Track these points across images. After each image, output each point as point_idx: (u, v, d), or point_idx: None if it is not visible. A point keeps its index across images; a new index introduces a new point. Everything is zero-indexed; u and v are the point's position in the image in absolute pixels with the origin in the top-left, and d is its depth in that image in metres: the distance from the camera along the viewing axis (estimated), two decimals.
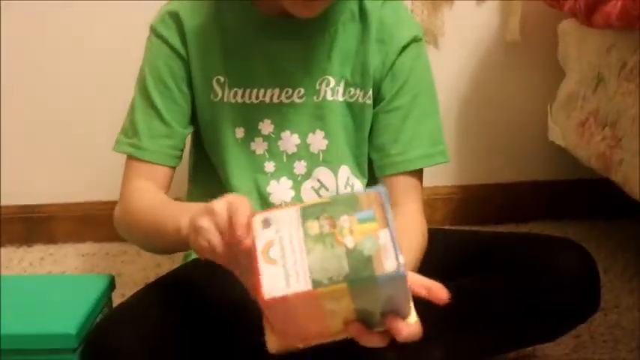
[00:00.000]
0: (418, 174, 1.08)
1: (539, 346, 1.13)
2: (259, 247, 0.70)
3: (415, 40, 1.07)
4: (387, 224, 0.69)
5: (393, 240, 0.68)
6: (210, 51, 1.06)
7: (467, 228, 1.45)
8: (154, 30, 1.08)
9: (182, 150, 1.09)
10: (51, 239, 1.67)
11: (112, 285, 1.16)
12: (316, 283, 0.67)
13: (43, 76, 1.63)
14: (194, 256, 1.11)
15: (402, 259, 0.67)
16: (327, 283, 0.67)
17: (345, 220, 0.69)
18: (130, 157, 1.07)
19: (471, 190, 1.72)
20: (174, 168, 1.08)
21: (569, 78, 1.44)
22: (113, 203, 1.65)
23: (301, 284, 0.68)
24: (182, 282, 1.03)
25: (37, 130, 1.66)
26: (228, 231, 0.75)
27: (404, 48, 1.06)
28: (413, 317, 0.74)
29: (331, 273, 0.67)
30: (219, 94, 1.06)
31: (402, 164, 1.06)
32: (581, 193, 1.68)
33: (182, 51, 1.06)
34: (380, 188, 0.72)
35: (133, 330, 0.89)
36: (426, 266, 1.03)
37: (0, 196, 1.67)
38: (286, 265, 0.69)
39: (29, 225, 1.67)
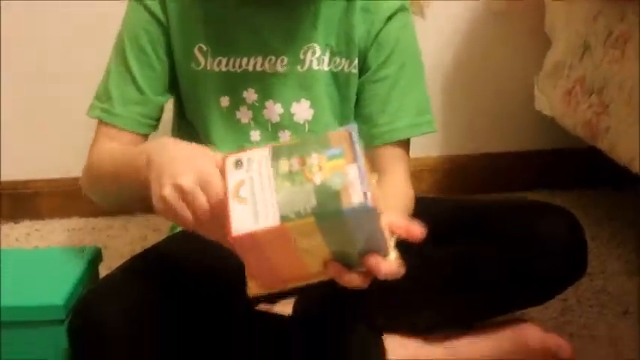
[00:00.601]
0: (405, 143, 1.08)
1: (527, 309, 1.14)
2: (230, 187, 0.71)
3: (401, 9, 1.07)
4: (355, 159, 0.69)
5: (360, 175, 0.68)
6: (192, 19, 1.05)
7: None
8: None
9: (157, 119, 1.08)
10: (37, 215, 1.66)
11: (98, 257, 1.15)
12: (284, 218, 0.68)
13: (33, 50, 1.62)
14: (180, 228, 1.12)
15: (369, 194, 0.67)
16: (294, 218, 0.68)
17: (314, 158, 0.70)
18: (101, 122, 1.06)
19: (457, 161, 1.72)
20: (146, 136, 1.07)
21: (555, 47, 1.43)
22: None
23: (269, 220, 0.68)
24: (168, 254, 1.03)
25: (23, 106, 1.64)
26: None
27: (390, 17, 1.06)
28: (392, 255, 0.74)
29: (299, 207, 0.68)
30: (202, 63, 1.05)
31: (388, 134, 1.06)
32: (567, 162, 1.69)
33: (162, 17, 1.05)
34: (350, 126, 0.72)
35: (118, 302, 0.89)
36: None
37: None
38: (256, 203, 0.69)
39: (15, 201, 1.66)
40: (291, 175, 0.70)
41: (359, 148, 0.70)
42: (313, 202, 0.68)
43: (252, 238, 0.69)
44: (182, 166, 0.78)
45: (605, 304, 1.25)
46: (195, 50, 1.05)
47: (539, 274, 0.97)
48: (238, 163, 0.72)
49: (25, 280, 1.07)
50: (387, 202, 0.89)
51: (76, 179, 1.65)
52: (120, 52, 1.06)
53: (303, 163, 0.70)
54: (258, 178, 0.71)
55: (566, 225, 0.99)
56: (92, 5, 1.57)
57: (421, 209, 1.08)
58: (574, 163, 1.67)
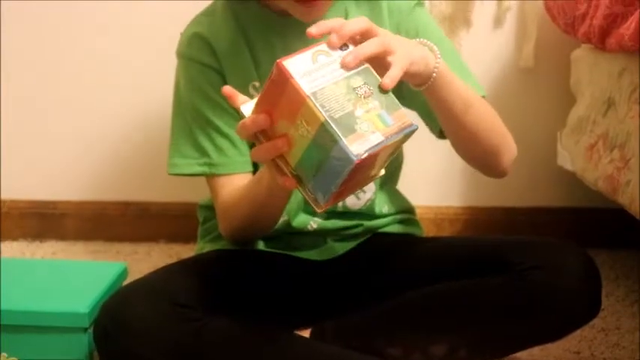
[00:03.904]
0: None
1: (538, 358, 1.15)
2: (320, 46, 0.81)
3: (417, 4, 1.14)
4: (388, 138, 0.78)
5: (377, 147, 0.77)
6: (243, 60, 1.09)
7: None
8: (184, 55, 1.11)
9: None
10: (63, 236, 1.70)
11: (124, 273, 1.18)
12: (313, 97, 0.76)
13: (55, 74, 1.67)
14: (207, 249, 1.15)
15: (364, 157, 0.76)
16: (316, 104, 0.76)
17: (374, 105, 0.79)
18: (209, 176, 1.10)
19: (477, 212, 1.74)
20: (253, 172, 1.10)
21: (579, 104, 1.47)
22: (126, 203, 1.72)
23: (306, 86, 0.76)
24: (198, 264, 1.06)
25: (55, 128, 1.69)
26: None
27: (410, 13, 1.12)
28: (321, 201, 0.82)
29: (327, 106, 0.76)
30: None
31: None
32: (586, 221, 1.70)
33: (215, 64, 1.09)
34: (415, 126, 0.81)
35: (147, 302, 0.92)
36: (435, 270, 1.06)
37: (10, 191, 1.70)
38: (317, 72, 0.78)
39: (43, 220, 1.70)
40: (352, 90, 0.78)
41: (399, 140, 0.80)
42: (337, 115, 0.76)
43: (285, 78, 0.77)
44: None
45: (619, 358, 1.25)
46: (250, 87, 1.09)
47: (554, 307, 0.97)
48: (343, 46, 0.81)
49: (53, 287, 1.11)
50: None
51: (104, 203, 1.71)
52: (192, 110, 1.10)
53: (366, 97, 0.78)
54: (339, 66, 0.79)
55: (581, 260, 1.00)
56: (94, 6, 1.61)
57: (436, 245, 1.10)
58: (592, 221, 1.69)
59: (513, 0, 1.62)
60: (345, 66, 0.80)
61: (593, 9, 1.29)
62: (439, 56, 0.92)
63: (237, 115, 1.07)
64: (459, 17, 1.63)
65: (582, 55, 1.48)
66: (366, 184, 1.04)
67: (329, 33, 0.82)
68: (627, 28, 1.16)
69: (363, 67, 0.81)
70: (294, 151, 0.80)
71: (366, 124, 0.77)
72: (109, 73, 1.66)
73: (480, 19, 1.64)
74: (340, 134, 0.75)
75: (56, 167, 1.70)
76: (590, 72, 1.42)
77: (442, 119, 1.02)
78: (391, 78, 0.82)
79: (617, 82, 1.28)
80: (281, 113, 0.79)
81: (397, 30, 1.10)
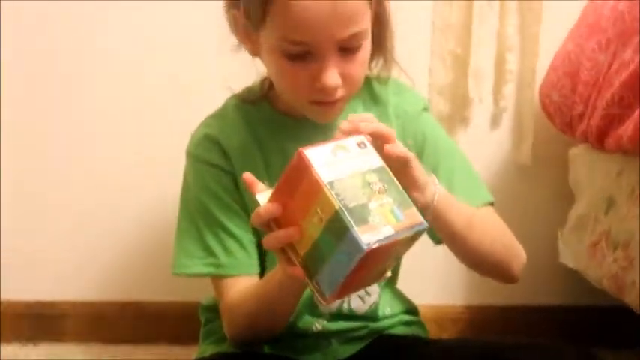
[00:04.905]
0: None
1: None
2: (340, 141, 0.85)
3: (424, 109, 1.16)
4: (399, 232, 0.80)
5: (386, 240, 0.78)
6: (253, 162, 1.10)
7: None
8: (195, 156, 1.12)
9: (262, 254, 1.11)
10: (58, 338, 1.66)
11: None
12: (330, 186, 0.79)
13: (53, 175, 1.67)
14: (210, 351, 1.13)
15: (373, 247, 0.77)
16: (333, 194, 0.78)
17: (388, 201, 0.81)
18: (215, 277, 1.10)
19: (479, 311, 1.73)
20: (259, 274, 1.10)
21: (580, 202, 1.47)
22: (123, 303, 1.69)
23: (325, 176, 0.79)
24: None
25: (50, 227, 1.68)
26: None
27: (417, 119, 1.14)
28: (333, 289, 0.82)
29: (342, 195, 0.78)
30: None
31: None
32: (589, 319, 1.68)
33: (226, 166, 1.10)
34: (425, 224, 0.83)
35: None
36: None
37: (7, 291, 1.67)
38: (335, 164, 0.81)
39: (37, 322, 1.67)
40: (367, 185, 0.81)
41: (409, 237, 0.81)
42: (351, 205, 0.78)
43: (305, 167, 0.80)
44: None
45: None
46: None
47: None
48: (361, 145, 0.85)
49: None
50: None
51: (100, 303, 1.68)
52: (198, 207, 1.10)
53: (380, 192, 0.81)
54: (356, 163, 0.83)
55: None
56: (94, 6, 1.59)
57: (441, 348, 1.09)
58: (596, 320, 1.67)
59: (510, 100, 1.65)
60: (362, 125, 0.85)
61: (590, 109, 1.31)
62: (437, 183, 0.96)
63: (247, 217, 1.08)
64: (456, 116, 1.66)
65: (580, 154, 1.50)
66: (372, 283, 1.03)
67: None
68: (625, 130, 1.18)
69: (379, 165, 0.84)
70: (304, 240, 0.81)
71: (379, 217, 0.79)
72: (104, 173, 1.67)
73: (477, 118, 1.66)
74: (353, 223, 0.77)
75: (54, 267, 1.68)
76: (589, 171, 1.44)
77: (444, 240, 1.04)
78: (397, 147, 0.87)
79: (616, 182, 1.29)
80: (297, 201, 0.81)
81: (403, 131, 1.12)
